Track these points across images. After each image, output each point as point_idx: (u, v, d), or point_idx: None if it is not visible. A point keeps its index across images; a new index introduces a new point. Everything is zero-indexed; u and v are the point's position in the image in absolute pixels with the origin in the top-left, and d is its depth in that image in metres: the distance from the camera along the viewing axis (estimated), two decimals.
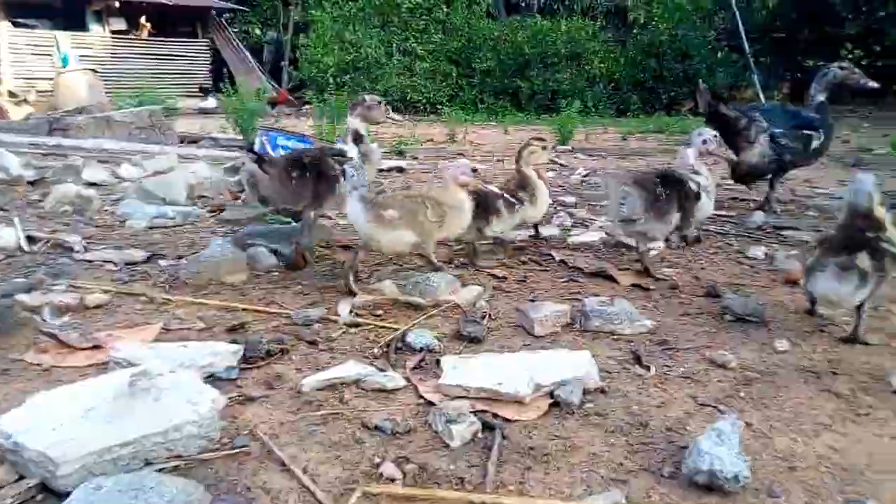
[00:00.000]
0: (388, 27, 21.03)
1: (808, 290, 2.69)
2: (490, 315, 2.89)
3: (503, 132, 13.37)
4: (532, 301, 3.07)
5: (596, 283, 3.43)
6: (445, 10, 20.91)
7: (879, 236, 2.56)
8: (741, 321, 2.82)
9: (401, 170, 7.80)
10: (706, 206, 3.45)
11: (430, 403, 2.08)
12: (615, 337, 2.66)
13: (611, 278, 3.45)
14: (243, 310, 2.92)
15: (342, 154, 3.63)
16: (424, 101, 19.57)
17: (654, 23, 20.01)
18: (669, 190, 3.27)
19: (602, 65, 18.91)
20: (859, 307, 2.56)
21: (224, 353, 2.30)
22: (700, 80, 5.36)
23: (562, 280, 3.47)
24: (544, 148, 3.69)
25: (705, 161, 3.53)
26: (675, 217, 3.32)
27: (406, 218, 2.99)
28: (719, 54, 19.16)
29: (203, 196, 5.69)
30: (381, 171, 7.79)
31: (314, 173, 3.40)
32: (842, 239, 2.58)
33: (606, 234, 4.28)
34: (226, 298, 3.06)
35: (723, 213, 5.08)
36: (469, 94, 19.80)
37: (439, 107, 18.61)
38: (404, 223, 2.99)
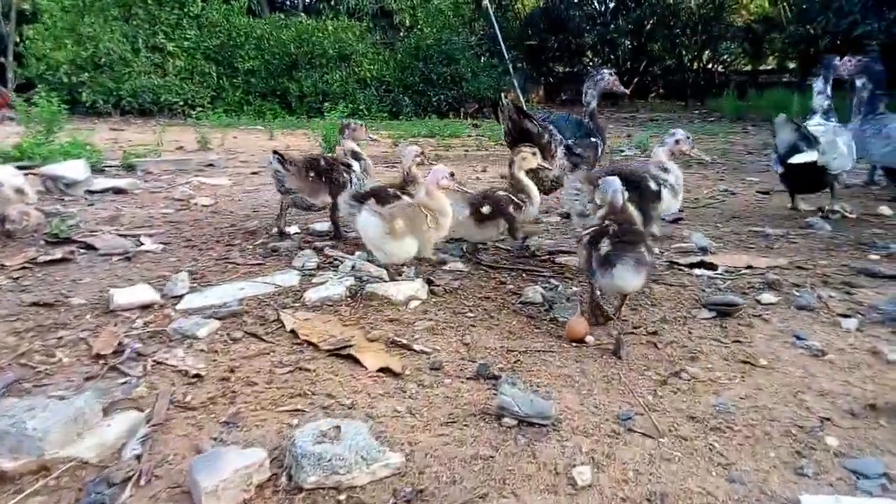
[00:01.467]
0: (132, 20, 18.32)
1: (602, 284, 2.74)
2: (142, 474, 1.74)
3: (269, 137, 11.97)
4: (216, 440, 1.98)
5: (334, 369, 2.43)
6: (201, 4, 18.73)
7: (640, 230, 2.85)
8: (525, 424, 2.01)
9: (119, 191, 6.18)
10: (668, 202, 3.53)
11: None
12: (343, 497, 1.67)
13: (354, 359, 2.49)
14: None
15: (349, 166, 4.34)
16: (181, 102, 17.34)
17: (419, 26, 19.83)
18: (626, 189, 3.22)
19: (372, 67, 18.22)
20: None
21: None
22: (503, 95, 4.88)
23: (285, 369, 2.42)
24: (534, 154, 3.83)
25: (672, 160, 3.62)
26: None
27: (411, 227, 3.15)
28: (482, 60, 19.48)
29: None
30: (90, 192, 6.13)
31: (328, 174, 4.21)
32: (622, 233, 2.71)
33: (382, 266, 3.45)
34: None
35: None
36: (233, 96, 17.97)
37: (200, 109, 16.53)
38: (410, 232, 3.14)
